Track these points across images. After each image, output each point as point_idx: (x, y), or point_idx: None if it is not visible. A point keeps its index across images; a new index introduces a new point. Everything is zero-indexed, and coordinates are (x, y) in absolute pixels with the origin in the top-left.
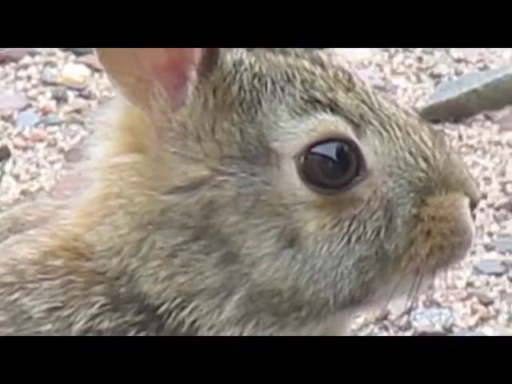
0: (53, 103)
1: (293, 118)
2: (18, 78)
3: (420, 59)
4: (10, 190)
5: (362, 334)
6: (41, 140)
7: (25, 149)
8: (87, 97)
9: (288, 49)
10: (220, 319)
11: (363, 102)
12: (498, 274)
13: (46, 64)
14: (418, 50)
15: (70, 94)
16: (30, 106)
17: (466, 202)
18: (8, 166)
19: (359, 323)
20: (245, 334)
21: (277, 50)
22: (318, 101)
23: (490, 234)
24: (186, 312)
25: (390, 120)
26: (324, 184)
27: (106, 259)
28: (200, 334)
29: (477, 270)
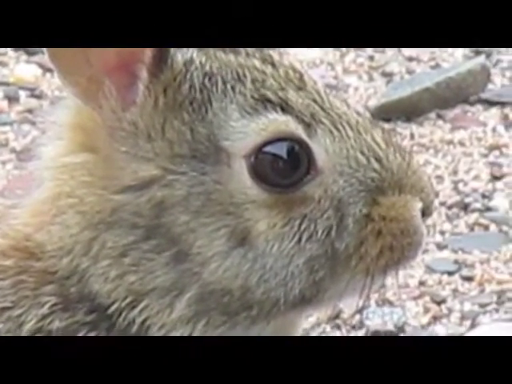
0: (4, 103)
1: (243, 118)
2: None
3: (371, 58)
4: None
5: (315, 333)
6: None
7: None
8: (39, 96)
9: (239, 48)
10: (171, 318)
11: (314, 101)
12: (451, 273)
13: None
14: (370, 49)
15: (22, 94)
16: None
17: (418, 204)
18: None
19: (312, 322)
20: (195, 333)
21: (227, 48)
22: (268, 100)
23: (442, 233)
24: (136, 311)
25: (342, 119)
26: (274, 183)
27: (57, 259)
28: (150, 333)
29: (429, 269)
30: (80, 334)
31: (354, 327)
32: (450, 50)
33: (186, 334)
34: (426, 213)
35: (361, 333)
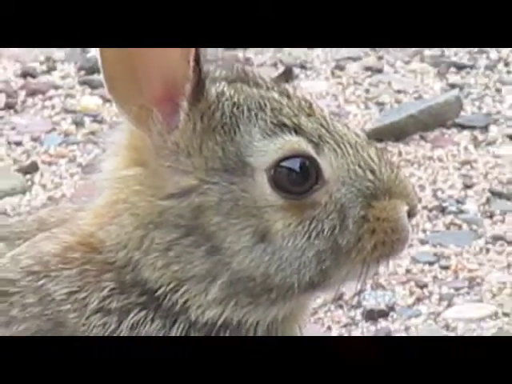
0: (72, 127)
1: (265, 139)
2: (44, 107)
3: (367, 91)
4: (38, 196)
5: (321, 311)
6: (63, 156)
7: (50, 164)
8: (100, 122)
9: (260, 82)
10: (206, 300)
11: (321, 125)
12: (431, 263)
13: (67, 96)
14: (366, 83)
15: (87, 120)
16: (54, 129)
17: (404, 207)
18: (37, 177)
19: (319, 303)
20: (226, 312)
21: (251, 83)
22: (284, 125)
23: (424, 231)
24: (178, 294)
25: (343, 140)
26: (290, 191)
27: (114, 252)
28: (190, 312)
29: (414, 260)
30: (133, 313)
31: (353, 307)
32: (430, 84)
33: (218, 313)
34: (411, 214)
35: (359, 311)
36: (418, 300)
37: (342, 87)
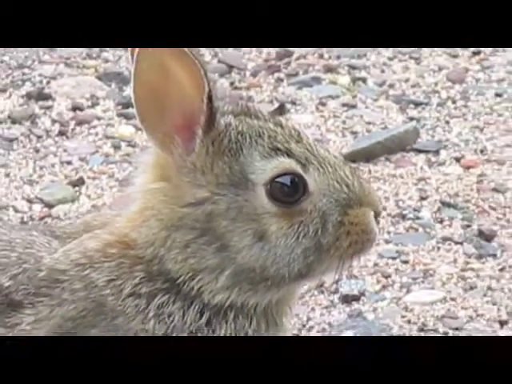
0: (112, 150)
1: (263, 160)
2: (89, 134)
3: (344, 122)
4: (84, 205)
5: (307, 296)
6: (104, 173)
7: (94, 179)
8: (133, 146)
9: (260, 115)
10: (216, 286)
11: (307, 149)
12: (394, 258)
13: (107, 125)
14: (343, 116)
15: (123, 144)
16: (97, 151)
17: (372, 213)
18: (83, 189)
19: (305, 289)
20: (232, 297)
21: (252, 116)
22: (278, 149)
23: (389, 232)
24: (194, 282)
25: (325, 161)
26: (282, 201)
27: (144, 249)
28: (203, 296)
29: (380, 255)
30: (158, 297)
31: (332, 292)
32: (393, 117)
33: (226, 297)
34: (377, 218)
35: (336, 296)
36: (384, 287)
37: (324, 119)
